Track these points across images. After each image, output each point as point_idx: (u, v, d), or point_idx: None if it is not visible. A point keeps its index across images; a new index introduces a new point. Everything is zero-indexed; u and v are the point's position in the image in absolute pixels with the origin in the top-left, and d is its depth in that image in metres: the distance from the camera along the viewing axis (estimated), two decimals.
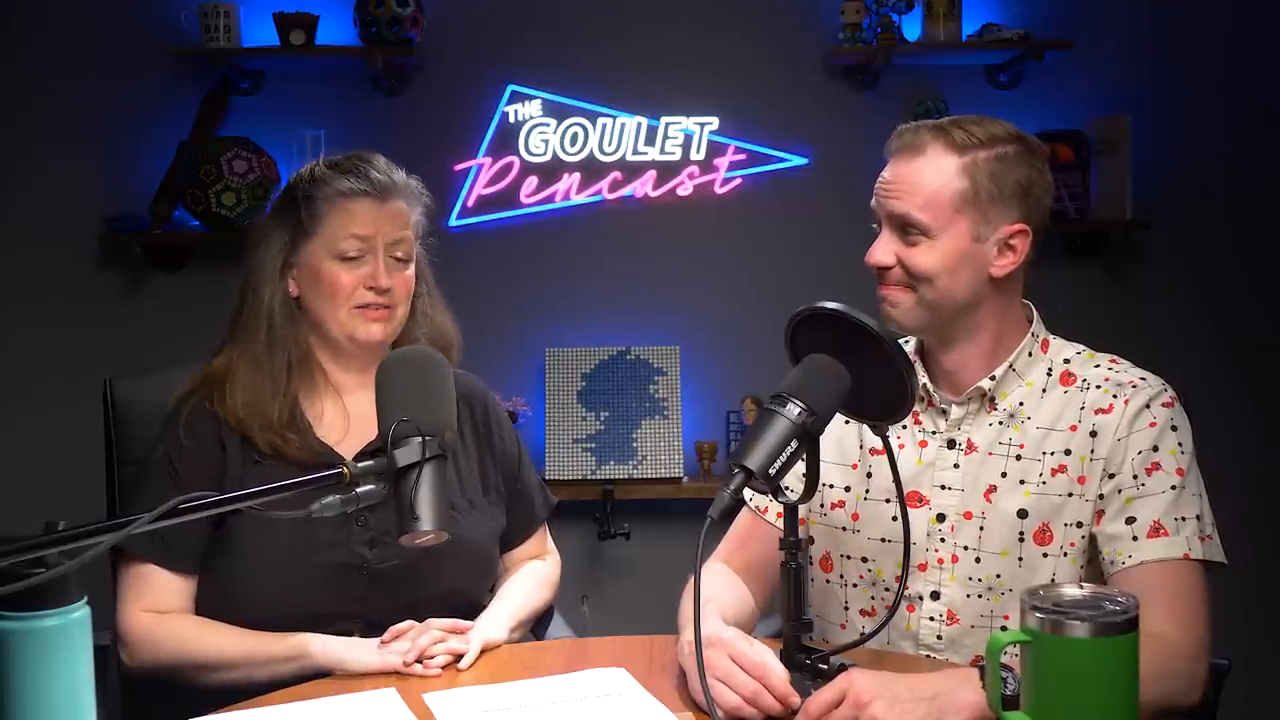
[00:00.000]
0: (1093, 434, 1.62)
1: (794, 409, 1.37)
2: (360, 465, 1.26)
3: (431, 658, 1.61)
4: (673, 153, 3.44)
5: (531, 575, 1.95)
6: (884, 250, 1.64)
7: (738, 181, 3.46)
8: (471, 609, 1.83)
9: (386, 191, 1.81)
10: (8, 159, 3.38)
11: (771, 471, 1.34)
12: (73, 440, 3.24)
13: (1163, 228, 3.48)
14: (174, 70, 3.37)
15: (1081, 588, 1.21)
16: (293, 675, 1.63)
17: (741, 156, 3.45)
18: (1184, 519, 1.56)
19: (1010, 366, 1.67)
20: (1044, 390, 1.67)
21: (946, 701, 1.33)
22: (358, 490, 1.24)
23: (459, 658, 1.63)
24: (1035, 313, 1.72)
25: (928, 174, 1.61)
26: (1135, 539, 1.56)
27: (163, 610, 1.75)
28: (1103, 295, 3.53)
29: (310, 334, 1.83)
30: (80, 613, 1.03)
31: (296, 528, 1.69)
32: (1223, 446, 3.21)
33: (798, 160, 3.46)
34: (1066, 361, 1.69)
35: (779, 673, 1.41)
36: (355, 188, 1.80)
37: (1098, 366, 1.68)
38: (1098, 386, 1.65)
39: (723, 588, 1.72)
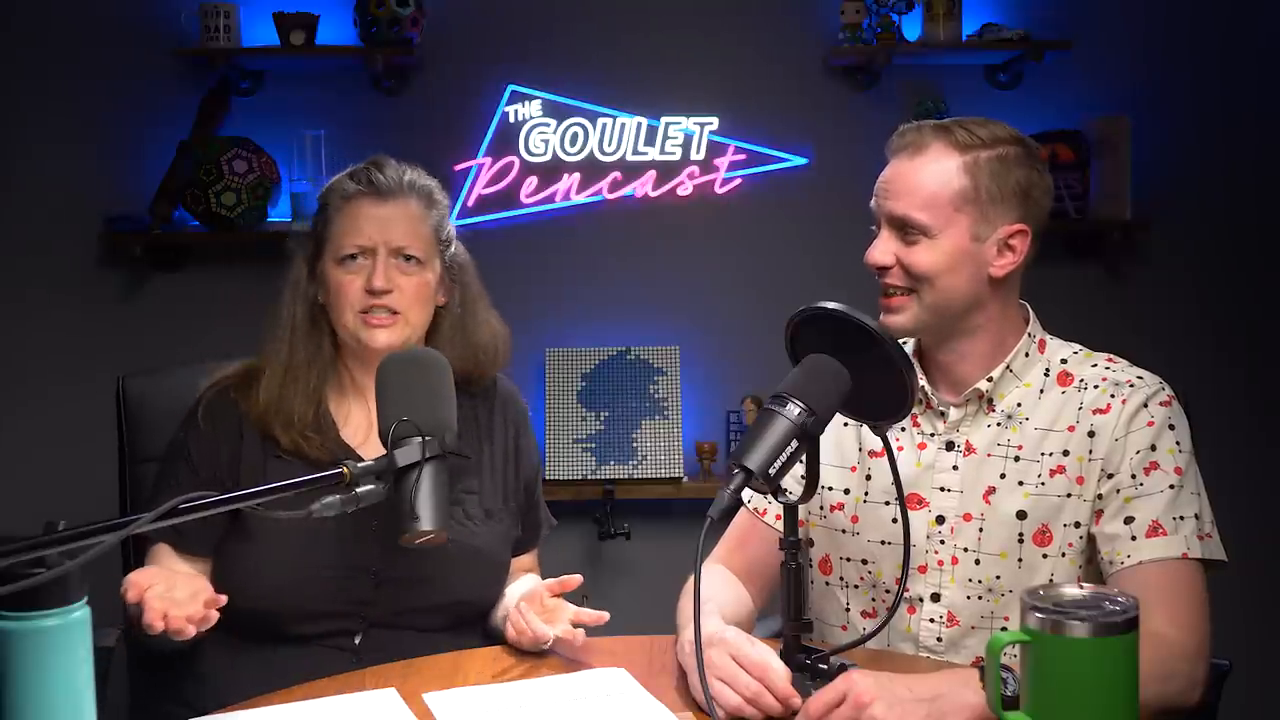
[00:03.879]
0: (1090, 434, 1.62)
1: (794, 409, 1.37)
2: (360, 465, 1.26)
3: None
4: (673, 153, 3.44)
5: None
6: (882, 250, 1.63)
7: (738, 181, 3.46)
8: (477, 619, 1.83)
9: (389, 192, 1.80)
10: (8, 159, 3.38)
11: (771, 471, 1.34)
12: (73, 439, 3.25)
13: (1162, 228, 3.48)
14: (174, 70, 3.37)
15: (1081, 588, 1.22)
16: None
17: (741, 156, 3.45)
18: (1182, 518, 1.56)
19: (1007, 367, 1.67)
20: (1041, 391, 1.67)
21: (947, 703, 1.33)
22: (358, 490, 1.24)
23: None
24: (1031, 313, 1.72)
25: (929, 173, 1.61)
26: (1134, 539, 1.56)
27: None
28: (1103, 295, 3.53)
29: (337, 338, 1.85)
30: (80, 613, 1.03)
31: (311, 526, 1.69)
32: (1223, 446, 3.21)
33: (798, 160, 3.46)
34: (1064, 362, 1.69)
35: (781, 673, 1.41)
36: (355, 189, 1.81)
37: (1095, 366, 1.68)
38: (1095, 386, 1.65)
39: (721, 588, 1.72)
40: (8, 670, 1.00)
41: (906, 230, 1.61)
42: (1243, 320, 3.55)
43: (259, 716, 1.47)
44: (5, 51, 3.36)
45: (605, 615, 1.65)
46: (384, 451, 1.74)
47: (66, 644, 1.02)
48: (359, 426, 1.84)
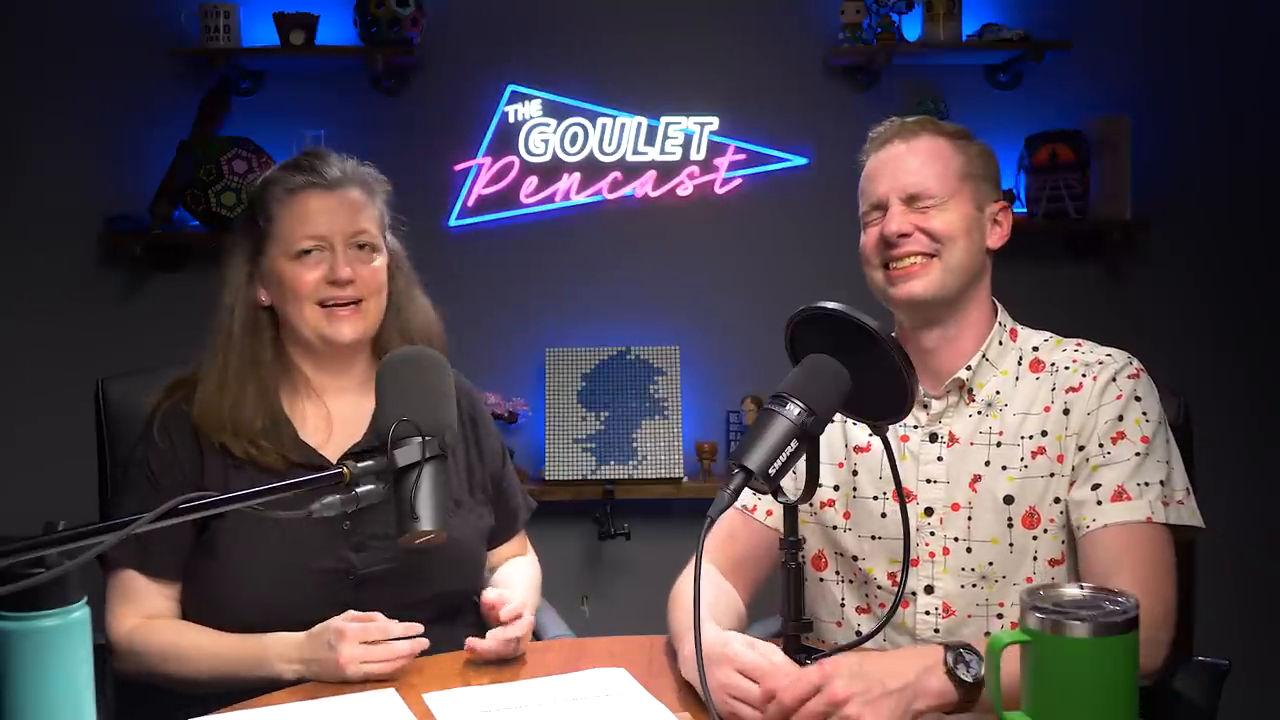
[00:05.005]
0: (1065, 412, 1.65)
1: (794, 409, 1.37)
2: (360, 465, 1.25)
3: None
4: (673, 153, 3.44)
5: (526, 570, 1.94)
6: (899, 221, 1.68)
7: (738, 181, 3.46)
8: (459, 610, 1.82)
9: (335, 182, 1.78)
10: (8, 159, 3.38)
11: (771, 471, 1.34)
12: (72, 440, 3.23)
13: (1162, 228, 3.48)
14: (174, 70, 3.37)
15: (1081, 588, 1.22)
16: (270, 683, 1.60)
17: (741, 156, 3.45)
18: (1147, 484, 1.58)
19: (983, 355, 1.70)
20: (1017, 378, 1.70)
21: (913, 691, 1.34)
22: (357, 490, 1.24)
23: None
24: (999, 305, 1.76)
25: (931, 152, 1.70)
26: (1099, 504, 1.59)
27: (147, 616, 1.72)
28: (1103, 295, 3.53)
29: (287, 339, 1.81)
30: (80, 613, 1.03)
31: (282, 533, 1.68)
32: (1223, 446, 3.22)
33: (798, 160, 3.46)
34: (1035, 349, 1.73)
35: (785, 670, 1.39)
36: (301, 181, 1.77)
37: (1065, 350, 1.72)
38: (1066, 368, 1.69)
39: (712, 591, 1.69)
40: (8, 670, 1.00)
41: (919, 202, 1.68)
42: (1243, 320, 3.55)
43: (259, 716, 1.47)
44: (5, 51, 3.37)
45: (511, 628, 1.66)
46: (346, 450, 1.76)
47: (66, 644, 1.02)
48: (317, 427, 1.80)
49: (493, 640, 1.62)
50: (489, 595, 1.70)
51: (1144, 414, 1.63)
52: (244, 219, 1.84)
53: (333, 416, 1.82)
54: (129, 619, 1.72)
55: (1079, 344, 1.73)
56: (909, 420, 1.71)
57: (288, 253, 1.76)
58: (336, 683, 1.56)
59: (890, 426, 1.52)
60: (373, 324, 1.80)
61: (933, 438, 1.70)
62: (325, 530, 1.69)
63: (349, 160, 1.83)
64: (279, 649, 1.62)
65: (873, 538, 1.71)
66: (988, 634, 1.64)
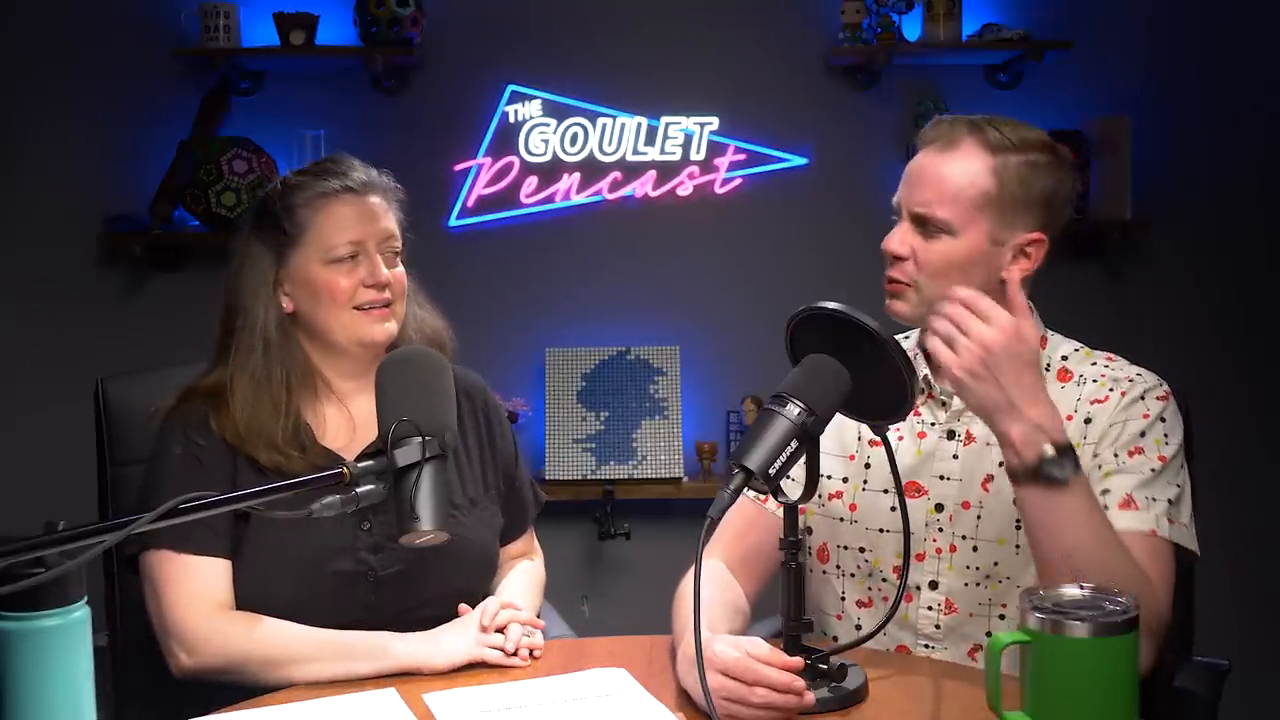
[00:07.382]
0: (1087, 421, 1.63)
1: (794, 409, 1.37)
2: (360, 465, 1.26)
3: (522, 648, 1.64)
4: (673, 153, 3.44)
5: (529, 577, 1.95)
6: (900, 241, 1.64)
7: (738, 181, 3.46)
8: (473, 607, 1.82)
9: (367, 189, 1.79)
10: (8, 159, 3.38)
11: (771, 471, 1.35)
12: (72, 440, 3.23)
13: (1163, 228, 3.48)
14: (174, 70, 3.37)
15: (1081, 588, 1.22)
16: (371, 673, 1.60)
17: (741, 156, 3.45)
18: (1155, 499, 1.57)
19: None
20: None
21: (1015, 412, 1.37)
22: (358, 490, 1.24)
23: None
24: (1034, 309, 1.72)
25: (956, 170, 1.62)
26: (1106, 508, 1.56)
27: (215, 599, 1.68)
28: (1103, 295, 3.53)
29: (310, 345, 1.81)
30: (80, 613, 1.04)
31: (305, 538, 1.68)
32: (1223, 446, 3.22)
33: (798, 160, 3.46)
34: (1064, 359, 1.70)
35: (771, 667, 1.37)
36: (336, 186, 1.77)
37: (1094, 364, 1.69)
38: (1094, 381, 1.66)
39: (715, 590, 1.68)
40: (8, 670, 1.00)
41: (927, 225, 1.62)
42: (1243, 320, 3.55)
43: (259, 716, 1.47)
44: (5, 51, 3.37)
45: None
46: (369, 452, 1.75)
47: (66, 644, 1.02)
48: (338, 431, 1.80)
49: (511, 644, 1.65)
50: (489, 606, 1.70)
51: (1165, 436, 1.61)
52: (261, 225, 1.81)
53: (355, 420, 1.81)
54: (203, 603, 1.67)
55: (1110, 359, 1.70)
56: (926, 417, 1.71)
57: (323, 258, 1.75)
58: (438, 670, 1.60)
59: (892, 426, 1.51)
60: (400, 325, 1.81)
61: (950, 435, 1.69)
62: (344, 533, 1.70)
63: (369, 166, 1.84)
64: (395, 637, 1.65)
65: (880, 530, 1.71)
66: (989, 634, 1.64)
